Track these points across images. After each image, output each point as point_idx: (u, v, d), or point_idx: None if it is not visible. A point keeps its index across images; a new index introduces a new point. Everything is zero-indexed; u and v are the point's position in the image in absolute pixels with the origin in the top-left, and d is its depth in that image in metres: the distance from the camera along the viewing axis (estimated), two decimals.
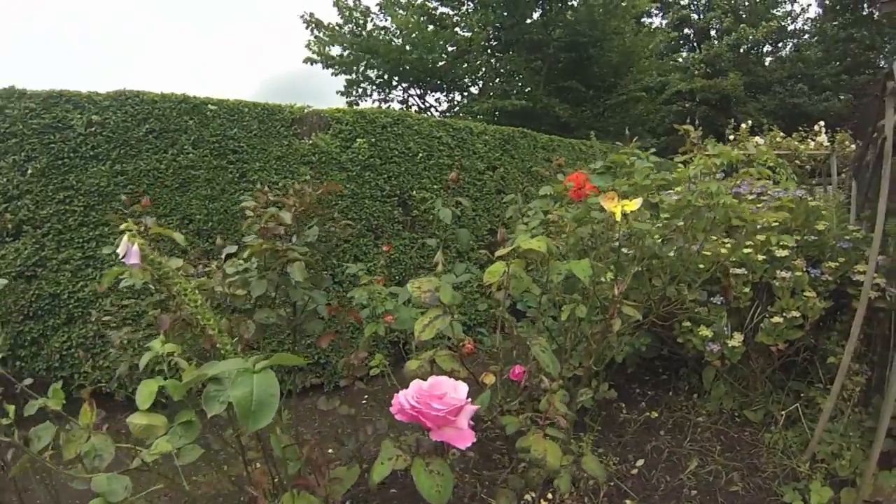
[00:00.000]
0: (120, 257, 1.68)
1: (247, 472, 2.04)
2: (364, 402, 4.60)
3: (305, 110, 5.41)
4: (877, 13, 20.89)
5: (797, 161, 9.34)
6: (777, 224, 3.46)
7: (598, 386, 2.68)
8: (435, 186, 5.87)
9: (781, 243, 3.31)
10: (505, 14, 11.74)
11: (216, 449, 2.46)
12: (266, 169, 4.95)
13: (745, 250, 3.27)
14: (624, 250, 2.64)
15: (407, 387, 1.52)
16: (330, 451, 3.43)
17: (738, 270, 3.26)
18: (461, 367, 1.81)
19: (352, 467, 2.31)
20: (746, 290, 3.23)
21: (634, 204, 1.92)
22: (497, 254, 1.85)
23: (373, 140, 5.51)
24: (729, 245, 3.26)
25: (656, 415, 3.64)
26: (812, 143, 9.82)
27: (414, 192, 5.71)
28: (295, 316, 2.35)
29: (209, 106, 4.83)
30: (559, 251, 2.08)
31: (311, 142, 5.21)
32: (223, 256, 2.22)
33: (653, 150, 3.73)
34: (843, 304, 3.41)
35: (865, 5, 21.92)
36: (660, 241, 2.82)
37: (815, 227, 3.59)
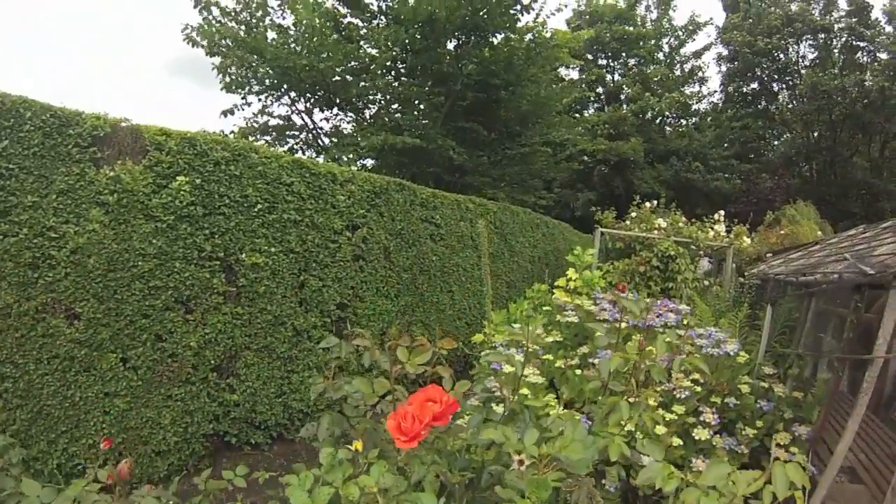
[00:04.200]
0: None
1: None
2: None
3: (122, 124, 4.11)
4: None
5: (693, 246, 9.68)
6: None
7: None
8: (272, 249, 4.68)
9: (703, 419, 2.77)
10: (418, 36, 10.69)
11: None
12: (42, 207, 3.60)
13: (658, 430, 2.51)
14: None
15: None
16: None
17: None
18: None
19: None
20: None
21: None
22: None
23: (199, 181, 4.26)
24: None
25: None
26: (711, 233, 10.16)
27: (244, 256, 4.48)
28: None
29: None
30: None
31: (112, 173, 3.89)
32: None
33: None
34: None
35: (763, 100, 23.41)
36: None
37: (737, 388, 3.05)
